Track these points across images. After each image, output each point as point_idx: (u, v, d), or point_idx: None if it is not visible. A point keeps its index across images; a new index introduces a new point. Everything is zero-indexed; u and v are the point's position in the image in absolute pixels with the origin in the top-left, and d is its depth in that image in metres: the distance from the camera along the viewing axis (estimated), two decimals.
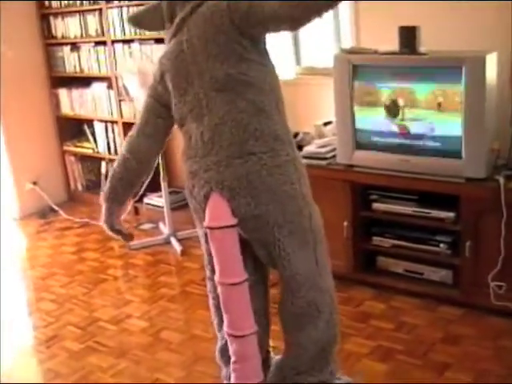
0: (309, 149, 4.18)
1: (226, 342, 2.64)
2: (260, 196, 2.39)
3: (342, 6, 4.61)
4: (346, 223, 4.02)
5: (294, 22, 2.29)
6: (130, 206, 5.80)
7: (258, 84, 2.41)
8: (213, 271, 2.58)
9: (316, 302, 2.59)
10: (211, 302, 2.77)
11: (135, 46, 5.45)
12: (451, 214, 3.71)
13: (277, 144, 2.42)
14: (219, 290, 2.52)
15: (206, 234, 2.54)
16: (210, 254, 2.57)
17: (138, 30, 5.35)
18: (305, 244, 2.53)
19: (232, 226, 2.40)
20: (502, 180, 3.48)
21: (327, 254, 2.67)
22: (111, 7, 5.58)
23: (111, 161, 6.10)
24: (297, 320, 2.62)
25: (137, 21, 2.79)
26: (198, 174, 2.46)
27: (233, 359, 2.59)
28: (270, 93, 2.46)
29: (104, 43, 5.76)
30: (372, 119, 3.91)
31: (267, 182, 2.39)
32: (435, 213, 3.77)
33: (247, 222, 2.43)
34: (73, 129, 6.40)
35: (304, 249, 2.53)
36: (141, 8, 2.80)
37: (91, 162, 6.42)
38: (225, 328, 2.57)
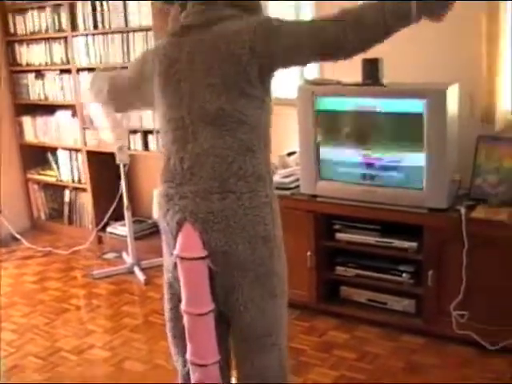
0: (273, 179, 4.18)
1: (188, 373, 2.60)
2: (232, 234, 2.31)
3: None
4: (309, 253, 4.03)
5: (348, 54, 2.24)
6: (93, 235, 5.78)
7: (251, 123, 2.31)
8: (178, 300, 2.53)
9: (266, 368, 2.48)
10: (172, 332, 2.69)
11: None
12: (414, 244, 3.75)
13: (258, 185, 2.35)
14: (185, 319, 2.49)
15: (175, 263, 2.49)
16: (176, 280, 2.51)
17: (102, 58, 5.38)
18: (268, 295, 2.42)
19: (202, 258, 2.37)
20: (463, 210, 3.53)
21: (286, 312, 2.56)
22: (76, 35, 5.58)
23: (75, 189, 6.09)
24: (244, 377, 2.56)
25: None
26: (173, 199, 2.38)
27: None
28: (261, 131, 2.36)
29: (69, 71, 5.75)
30: (335, 150, 3.94)
31: (242, 222, 2.31)
32: (398, 243, 3.81)
33: (217, 257, 2.37)
34: (36, 156, 6.34)
35: (266, 300, 2.42)
36: None
37: (54, 190, 6.38)
38: (188, 356, 2.54)
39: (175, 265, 2.46)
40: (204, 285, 2.38)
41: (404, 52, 4.04)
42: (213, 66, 2.26)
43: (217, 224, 2.28)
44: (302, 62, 2.43)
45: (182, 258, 2.37)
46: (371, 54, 3.74)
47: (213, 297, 2.42)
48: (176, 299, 2.57)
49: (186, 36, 2.34)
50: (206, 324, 2.44)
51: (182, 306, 2.45)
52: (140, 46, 5.09)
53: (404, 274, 3.84)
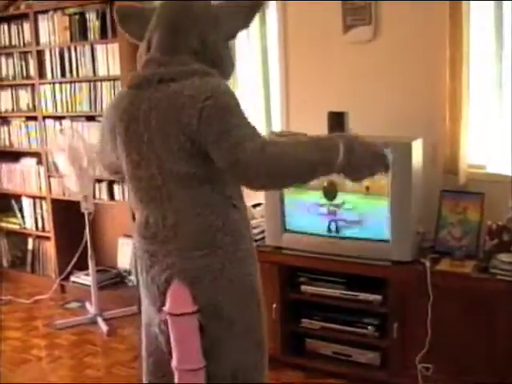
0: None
1: None
2: (220, 287, 2.28)
3: (272, 89, 4.72)
4: (274, 305, 4.01)
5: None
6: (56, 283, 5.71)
7: (219, 181, 2.26)
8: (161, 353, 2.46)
9: None
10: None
11: (66, 122, 5.43)
12: (378, 297, 3.75)
13: (240, 239, 2.32)
14: (176, 375, 2.42)
15: (163, 321, 2.42)
16: (162, 334, 2.46)
17: (69, 107, 5.38)
18: (254, 347, 2.39)
19: (192, 313, 2.34)
20: (427, 263, 3.55)
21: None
22: (44, 83, 5.58)
23: (38, 237, 6.01)
24: None
25: (123, 18, 2.45)
26: (156, 256, 2.31)
27: None
28: (231, 187, 2.30)
29: (35, 118, 5.73)
30: (301, 202, 3.95)
31: (229, 275, 2.28)
32: (363, 295, 3.80)
33: (206, 310, 2.32)
34: (0, 204, 6.28)
35: (250, 353, 2.39)
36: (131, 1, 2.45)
37: (18, 238, 6.29)
38: None
39: (163, 320, 2.39)
40: (195, 340, 2.33)
41: (369, 106, 4.10)
42: (167, 131, 2.18)
43: (204, 279, 2.25)
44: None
45: (173, 315, 2.32)
46: (337, 107, 3.83)
47: None
48: (159, 352, 2.48)
49: (146, 89, 2.24)
50: (197, 380, 2.39)
51: (174, 363, 2.38)
52: (107, 95, 5.11)
53: (369, 327, 3.83)
